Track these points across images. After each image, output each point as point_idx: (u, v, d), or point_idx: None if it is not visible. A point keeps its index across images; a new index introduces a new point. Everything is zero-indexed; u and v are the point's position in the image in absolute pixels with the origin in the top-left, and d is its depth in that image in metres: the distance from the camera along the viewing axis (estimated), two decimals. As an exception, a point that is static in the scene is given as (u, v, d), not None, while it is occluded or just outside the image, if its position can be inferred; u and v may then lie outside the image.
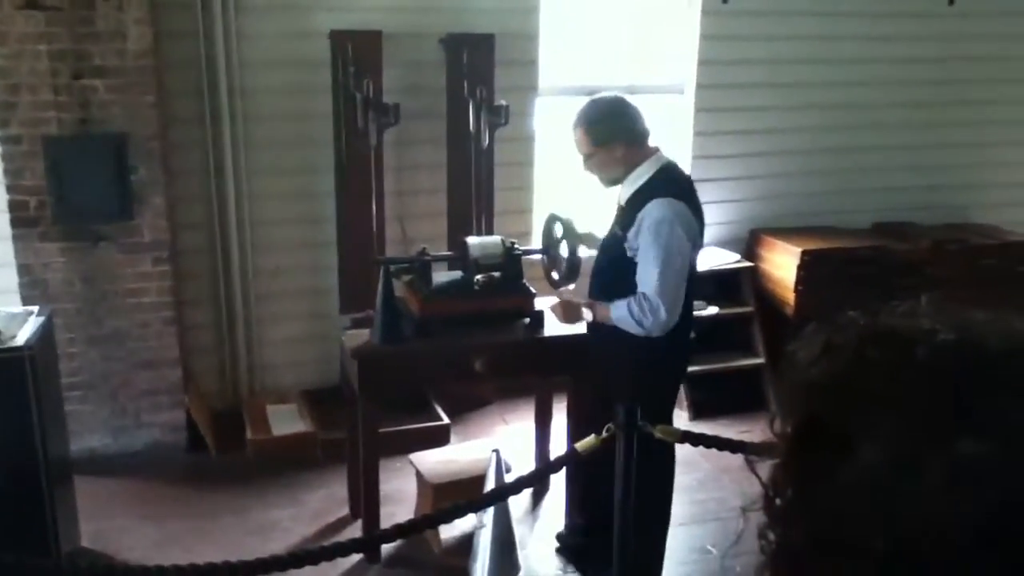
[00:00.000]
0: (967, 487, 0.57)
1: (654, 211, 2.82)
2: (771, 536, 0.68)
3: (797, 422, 0.67)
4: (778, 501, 0.68)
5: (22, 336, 3.06)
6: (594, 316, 3.05)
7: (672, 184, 2.92)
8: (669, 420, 3.04)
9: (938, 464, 0.57)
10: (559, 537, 3.61)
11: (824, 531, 0.62)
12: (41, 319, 3.23)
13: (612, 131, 2.93)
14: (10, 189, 3.87)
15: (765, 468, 0.69)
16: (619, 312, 2.91)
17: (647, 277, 2.84)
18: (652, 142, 3.02)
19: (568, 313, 3.14)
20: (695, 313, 3.27)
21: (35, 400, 3.02)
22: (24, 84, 3.78)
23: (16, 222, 3.90)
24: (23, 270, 3.94)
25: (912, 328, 0.65)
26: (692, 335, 3.12)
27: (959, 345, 0.62)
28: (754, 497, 0.70)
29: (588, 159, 3.01)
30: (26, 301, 3.84)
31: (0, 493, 3.02)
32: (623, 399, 3.11)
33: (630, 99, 3.04)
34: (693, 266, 3.00)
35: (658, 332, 2.86)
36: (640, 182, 2.95)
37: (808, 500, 0.64)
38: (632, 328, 2.89)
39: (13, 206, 3.88)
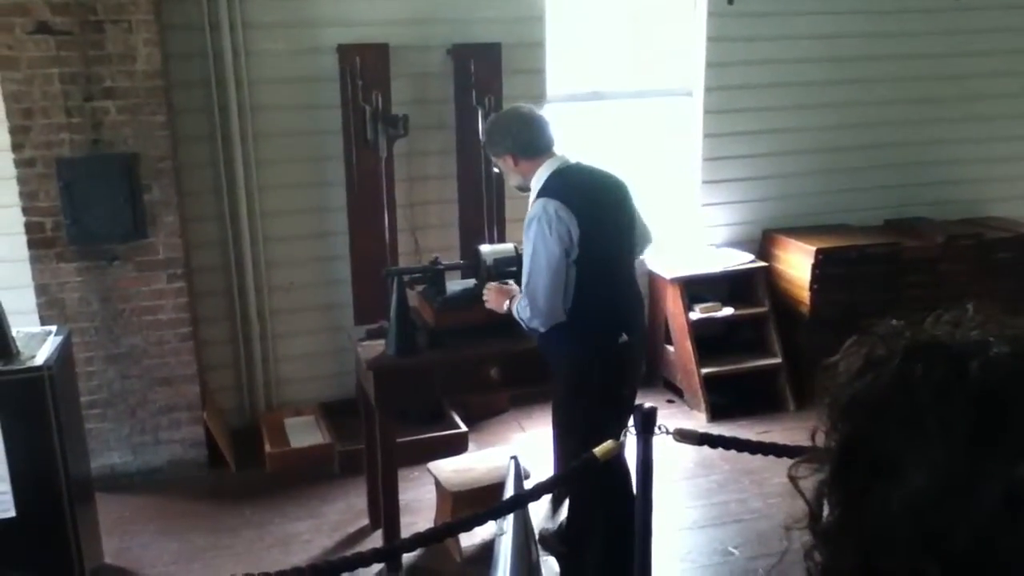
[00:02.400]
0: None
1: (529, 212, 2.96)
2: (817, 557, 0.66)
3: (841, 440, 0.65)
4: (823, 521, 0.65)
5: (41, 356, 3.09)
6: (508, 307, 3.12)
7: (556, 185, 2.97)
8: (604, 427, 2.87)
9: (994, 488, 0.55)
10: (544, 537, 3.52)
11: (874, 555, 0.60)
12: (59, 339, 3.27)
13: (500, 144, 3.07)
14: (26, 211, 3.91)
15: (808, 485, 0.67)
16: (514, 307, 3.03)
17: (523, 275, 2.98)
18: (558, 149, 3.08)
19: (493, 298, 3.22)
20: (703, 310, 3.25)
21: (55, 419, 3.05)
22: (37, 108, 3.83)
23: (32, 243, 3.94)
24: (40, 290, 3.98)
25: (961, 341, 0.62)
26: (624, 338, 3.02)
27: (1014, 360, 0.59)
28: (783, 514, 0.68)
29: (494, 165, 3.21)
30: (44, 321, 3.88)
31: (23, 512, 3.04)
32: (557, 403, 3.23)
33: (536, 111, 3.11)
34: (596, 263, 2.94)
35: (537, 327, 2.95)
36: (536, 188, 3.04)
37: (856, 523, 0.62)
38: (520, 322, 3.01)
39: (29, 228, 3.92)
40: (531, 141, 3.03)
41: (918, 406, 0.60)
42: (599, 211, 2.98)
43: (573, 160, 3.09)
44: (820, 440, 0.67)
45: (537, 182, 3.04)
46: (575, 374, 3.03)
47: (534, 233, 2.88)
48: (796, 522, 0.68)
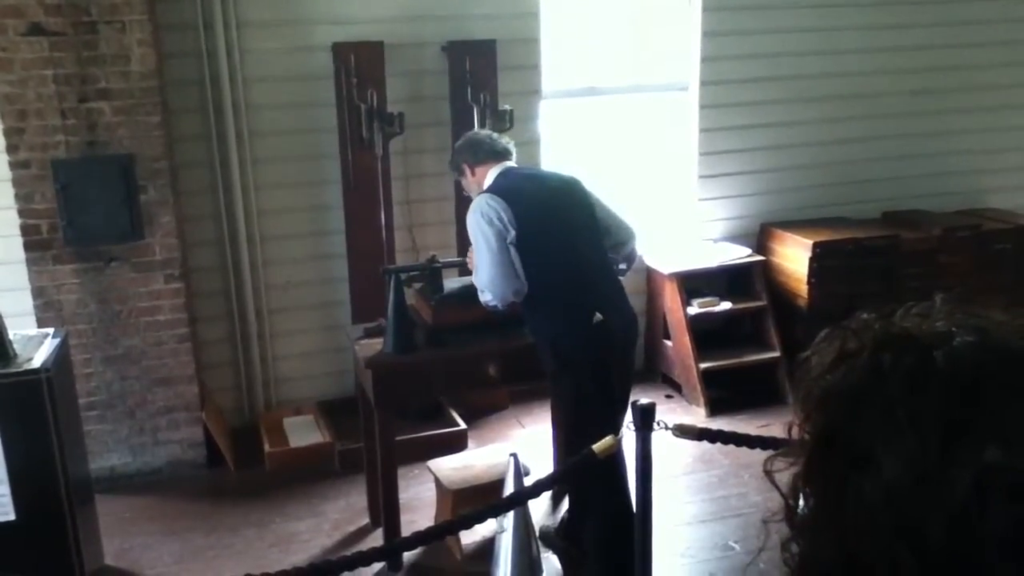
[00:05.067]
0: (995, 498, 0.55)
1: (469, 209, 3.22)
2: (794, 549, 0.66)
3: (815, 433, 0.65)
4: (799, 512, 0.66)
5: (39, 358, 3.09)
6: None
7: (494, 183, 3.26)
8: (597, 407, 3.06)
9: (964, 475, 0.56)
10: (544, 533, 3.55)
11: (850, 546, 0.61)
12: (57, 341, 3.26)
13: (459, 156, 3.42)
14: (21, 213, 3.90)
15: (785, 477, 0.67)
16: None
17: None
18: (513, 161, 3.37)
19: (474, 258, 3.34)
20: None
21: (54, 421, 3.05)
22: (31, 109, 3.81)
23: (29, 245, 3.93)
24: (37, 292, 3.97)
25: (928, 332, 0.62)
26: (599, 317, 3.12)
27: (979, 348, 0.60)
28: (775, 507, 0.68)
29: (464, 189, 3.51)
30: (41, 323, 3.87)
31: (23, 514, 3.04)
32: (551, 388, 3.39)
33: (483, 131, 3.56)
34: (542, 248, 3.13)
35: (496, 305, 3.16)
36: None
37: (832, 514, 0.63)
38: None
39: (25, 230, 3.92)
40: (481, 147, 3.34)
41: (888, 396, 0.60)
42: (536, 200, 3.19)
43: (507, 165, 3.32)
44: (796, 433, 0.67)
45: (485, 185, 3.28)
46: (556, 352, 3.14)
47: (472, 225, 3.16)
48: (773, 515, 0.68)
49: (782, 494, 0.67)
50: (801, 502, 0.66)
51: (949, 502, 0.56)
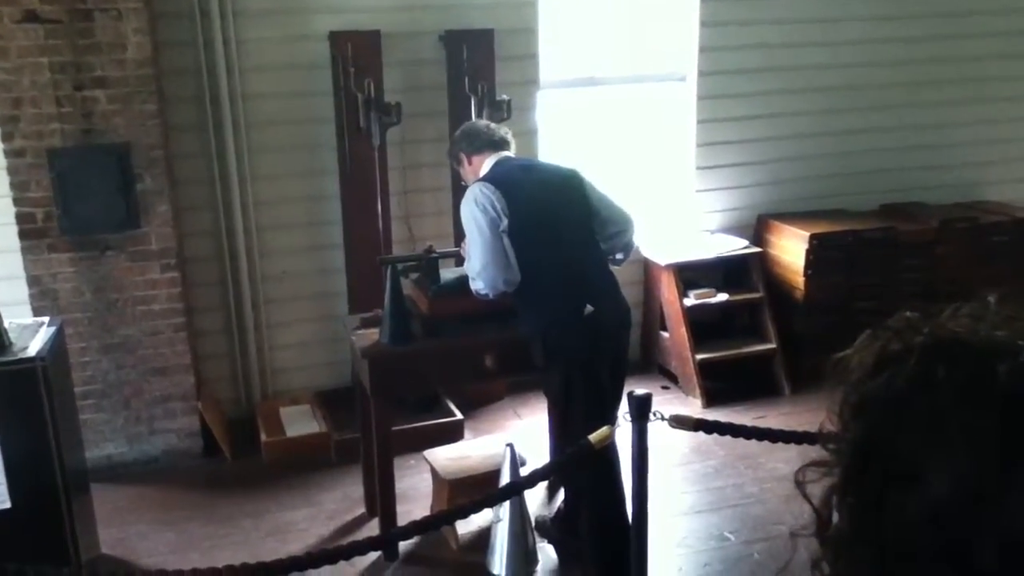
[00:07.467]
0: None
1: (464, 197, 3.25)
2: (825, 568, 0.62)
3: (854, 442, 0.61)
4: (833, 529, 0.62)
5: (34, 347, 3.08)
6: None
7: (490, 173, 3.27)
8: (586, 398, 3.08)
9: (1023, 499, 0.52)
10: (540, 523, 3.57)
11: (889, 566, 0.57)
12: (52, 329, 3.26)
13: (456, 146, 3.47)
14: (17, 202, 3.89)
15: (816, 490, 0.63)
16: None
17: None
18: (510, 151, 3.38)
19: (464, 250, 3.36)
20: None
21: (50, 410, 3.04)
22: (27, 97, 3.80)
23: (24, 234, 3.92)
24: (33, 281, 3.96)
25: (987, 340, 0.57)
26: (589, 309, 3.11)
27: None
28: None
29: (462, 179, 3.55)
30: (37, 312, 3.86)
31: (18, 503, 3.04)
32: (542, 379, 3.34)
33: (491, 123, 3.54)
34: (534, 237, 3.13)
35: (486, 293, 3.17)
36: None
37: (870, 531, 0.58)
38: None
39: (20, 218, 3.90)
40: (478, 137, 3.37)
41: (940, 409, 0.56)
42: (530, 190, 3.21)
43: (503, 154, 3.34)
44: (828, 440, 0.63)
45: (481, 174, 3.29)
46: (545, 345, 3.14)
47: (466, 214, 3.17)
48: (803, 528, 0.64)
49: (814, 507, 0.63)
50: (835, 517, 0.62)
51: (1005, 527, 0.53)
